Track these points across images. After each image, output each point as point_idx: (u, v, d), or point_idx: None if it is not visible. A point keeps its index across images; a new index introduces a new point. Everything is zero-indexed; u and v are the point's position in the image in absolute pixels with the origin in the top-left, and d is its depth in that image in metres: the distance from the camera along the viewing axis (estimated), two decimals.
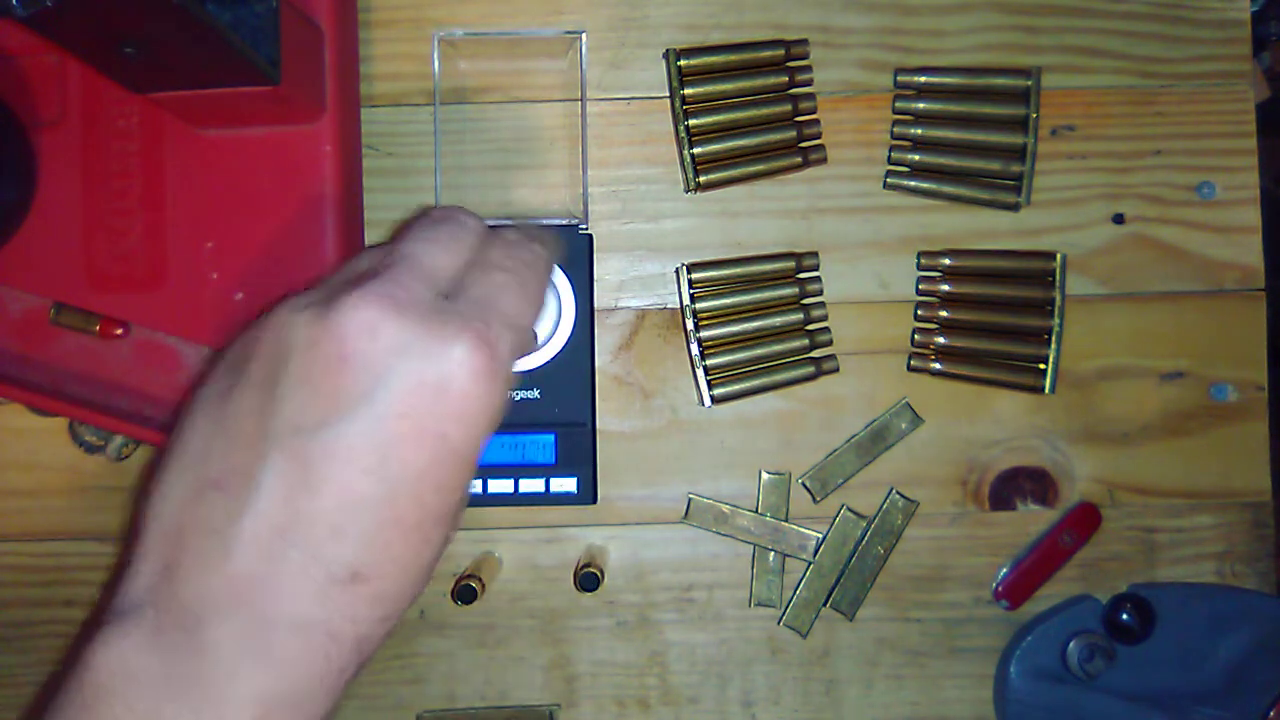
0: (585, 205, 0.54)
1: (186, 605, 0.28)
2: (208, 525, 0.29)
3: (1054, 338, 0.56)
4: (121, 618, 0.29)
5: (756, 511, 0.57)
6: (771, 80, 0.55)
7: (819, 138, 0.56)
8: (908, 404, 0.56)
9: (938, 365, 0.56)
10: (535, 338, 0.34)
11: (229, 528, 0.29)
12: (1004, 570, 0.57)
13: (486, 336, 0.31)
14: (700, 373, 0.56)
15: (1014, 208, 0.56)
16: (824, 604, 0.57)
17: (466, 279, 0.33)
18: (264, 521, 0.28)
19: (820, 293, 0.56)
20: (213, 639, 0.28)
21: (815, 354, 0.56)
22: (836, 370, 0.56)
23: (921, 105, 0.56)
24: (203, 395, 0.32)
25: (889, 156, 0.56)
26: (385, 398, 0.29)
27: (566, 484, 0.53)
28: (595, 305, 0.55)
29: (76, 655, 0.29)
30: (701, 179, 0.55)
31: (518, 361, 0.33)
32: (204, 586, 0.28)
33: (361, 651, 0.30)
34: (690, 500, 0.57)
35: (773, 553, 0.57)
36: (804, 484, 0.57)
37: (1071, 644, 0.55)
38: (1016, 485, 0.57)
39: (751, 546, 0.57)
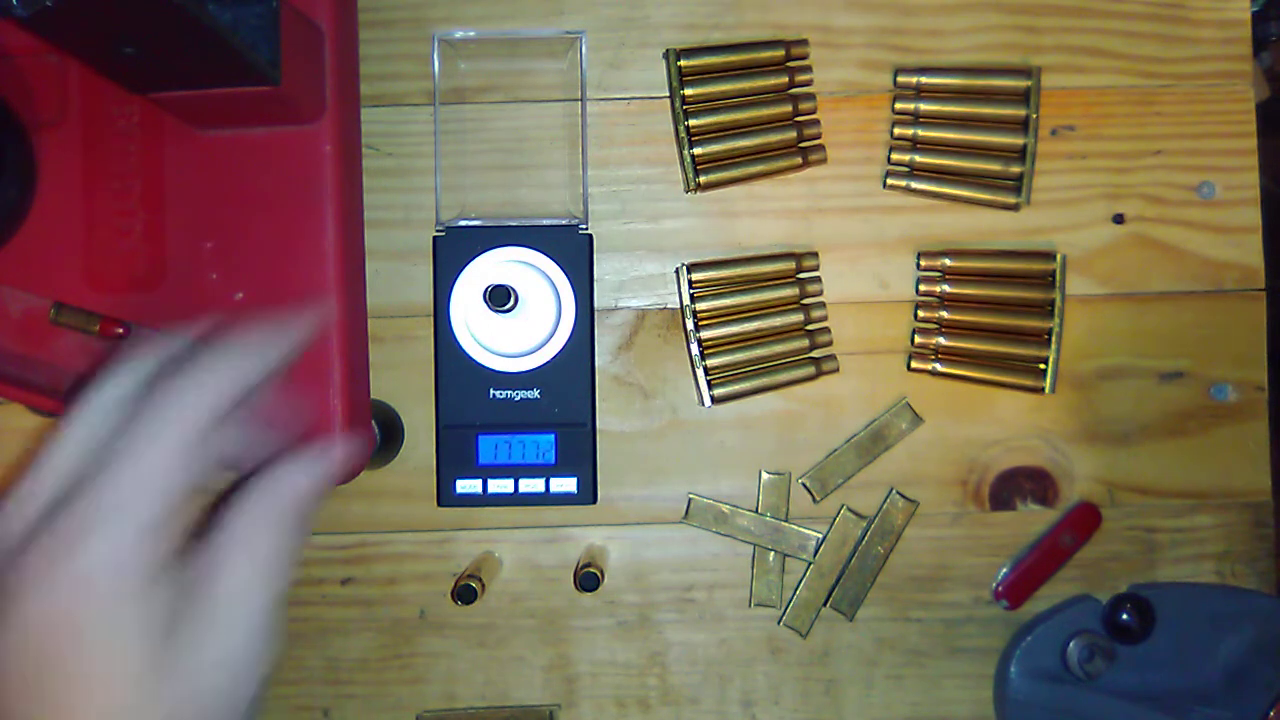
0: (585, 205, 0.54)
1: None
2: None
3: (1054, 338, 0.56)
4: None
5: (756, 511, 0.57)
6: (771, 80, 0.55)
7: (819, 138, 0.56)
8: (908, 404, 0.56)
9: (938, 365, 0.56)
10: (167, 496, 0.32)
11: None
12: (1004, 570, 0.57)
13: (68, 554, 0.31)
14: (700, 373, 0.56)
15: (1014, 208, 0.56)
16: (824, 604, 0.57)
17: (86, 474, 0.33)
18: None
19: (820, 293, 0.56)
20: None
21: (815, 354, 0.56)
22: (836, 370, 0.56)
23: (921, 105, 0.56)
24: None
25: (889, 156, 0.56)
26: (11, 634, 0.30)
27: (566, 484, 0.53)
28: (595, 305, 0.55)
29: None
30: (701, 179, 0.55)
31: (149, 531, 0.31)
32: None
33: None
34: (690, 500, 0.57)
35: (773, 553, 0.57)
36: (804, 484, 0.57)
37: (1071, 644, 0.55)
38: (1016, 485, 0.57)
39: (751, 546, 0.57)
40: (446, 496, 0.54)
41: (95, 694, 0.30)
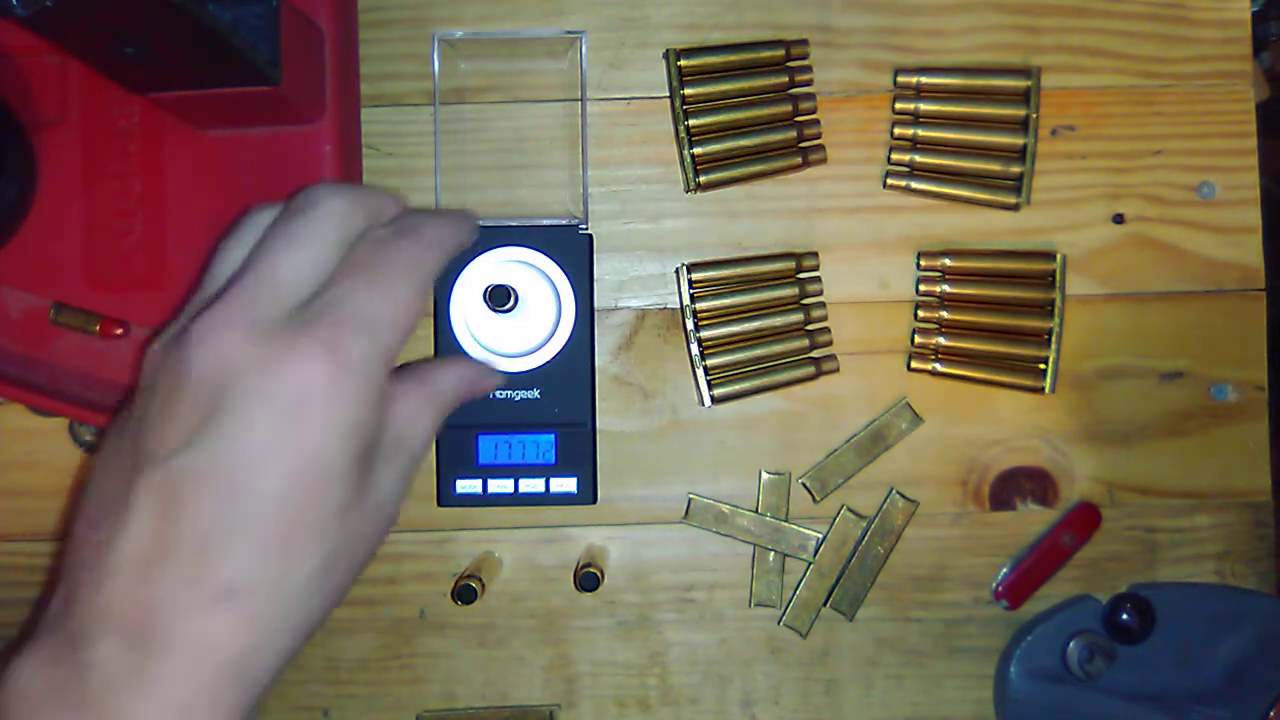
0: (585, 205, 0.54)
1: (74, 628, 0.30)
2: (94, 553, 0.31)
3: (1054, 338, 0.56)
4: (29, 642, 0.30)
5: (756, 511, 0.57)
6: (771, 80, 0.55)
7: (819, 138, 0.56)
8: (908, 404, 0.56)
9: (938, 365, 0.56)
10: (400, 332, 0.34)
11: (107, 555, 0.30)
12: (1004, 570, 0.57)
13: (331, 346, 0.31)
14: (700, 373, 0.56)
15: (1014, 208, 0.56)
16: (824, 604, 0.57)
17: (329, 279, 0.33)
18: (135, 546, 0.30)
19: (820, 293, 0.56)
20: (93, 659, 0.29)
21: (815, 354, 0.56)
22: (836, 370, 0.56)
23: (921, 105, 0.56)
24: (108, 431, 0.34)
25: (889, 156, 0.56)
26: (232, 420, 0.30)
27: (566, 484, 0.53)
28: (595, 305, 0.55)
29: None
30: (701, 179, 0.55)
31: (386, 359, 0.33)
32: (89, 610, 0.30)
33: (248, 671, 0.30)
34: (690, 500, 0.57)
35: (773, 553, 0.57)
36: (804, 484, 0.57)
37: (1071, 644, 0.55)
38: (1016, 485, 0.57)
39: (751, 546, 0.57)
40: (446, 496, 0.54)
41: (290, 496, 0.30)
